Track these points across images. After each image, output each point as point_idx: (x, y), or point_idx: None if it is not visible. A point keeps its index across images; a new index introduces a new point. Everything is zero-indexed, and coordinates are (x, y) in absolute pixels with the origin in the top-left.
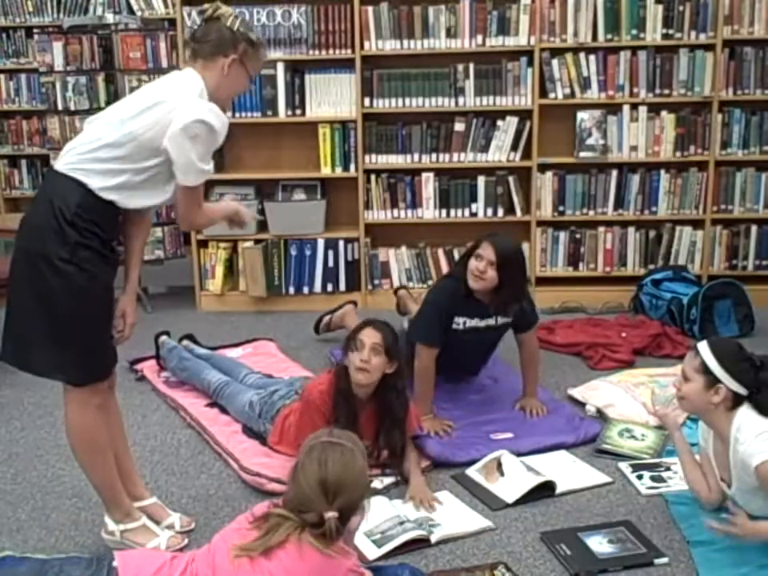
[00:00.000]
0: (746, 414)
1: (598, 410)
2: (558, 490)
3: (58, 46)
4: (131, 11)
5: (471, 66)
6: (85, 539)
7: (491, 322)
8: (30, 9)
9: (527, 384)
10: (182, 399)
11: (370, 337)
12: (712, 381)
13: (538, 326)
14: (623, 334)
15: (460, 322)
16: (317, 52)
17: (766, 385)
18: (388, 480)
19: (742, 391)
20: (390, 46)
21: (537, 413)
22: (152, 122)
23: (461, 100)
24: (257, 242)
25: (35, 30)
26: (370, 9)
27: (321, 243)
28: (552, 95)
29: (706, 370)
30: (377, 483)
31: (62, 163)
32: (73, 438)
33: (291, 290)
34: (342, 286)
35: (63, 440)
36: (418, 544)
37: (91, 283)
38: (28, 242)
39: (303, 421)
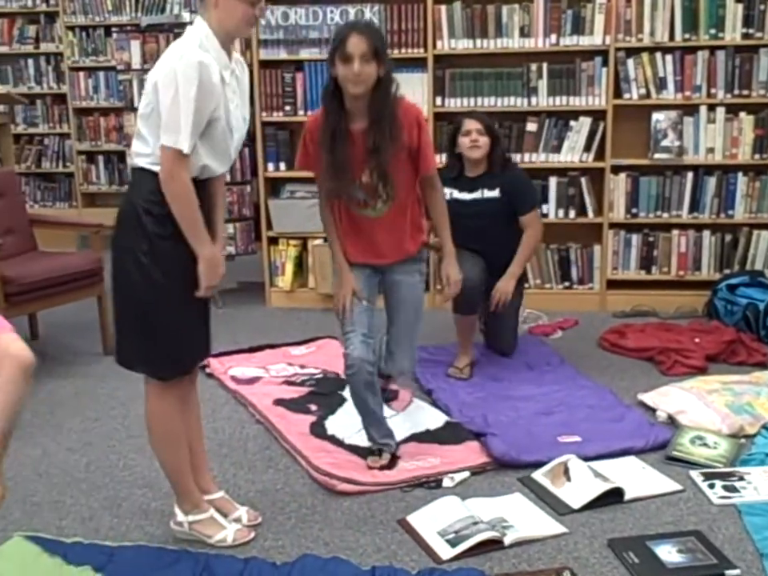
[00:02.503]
0: None
1: (669, 416)
2: (627, 497)
3: (135, 45)
4: None
5: (545, 65)
6: (154, 529)
7: (477, 195)
8: (109, 8)
9: (513, 263)
10: (250, 396)
11: (357, 46)
12: None
13: (538, 211)
14: (696, 340)
15: (446, 193)
16: (389, 51)
17: None
18: (459, 476)
19: None
20: (463, 45)
21: (501, 302)
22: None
23: (533, 100)
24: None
25: (114, 29)
26: (443, 8)
27: None
28: (627, 95)
29: None
30: (447, 481)
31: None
32: (149, 424)
33: None
34: None
35: (135, 431)
36: (491, 545)
37: (169, 279)
38: (117, 238)
39: (300, 147)
